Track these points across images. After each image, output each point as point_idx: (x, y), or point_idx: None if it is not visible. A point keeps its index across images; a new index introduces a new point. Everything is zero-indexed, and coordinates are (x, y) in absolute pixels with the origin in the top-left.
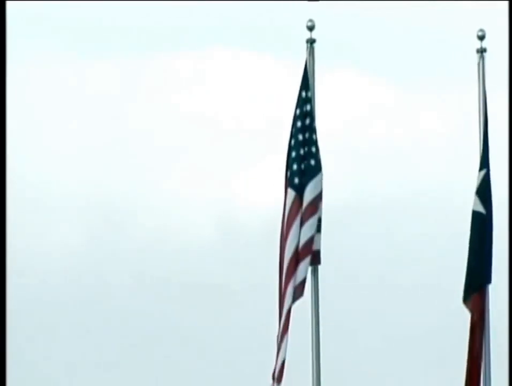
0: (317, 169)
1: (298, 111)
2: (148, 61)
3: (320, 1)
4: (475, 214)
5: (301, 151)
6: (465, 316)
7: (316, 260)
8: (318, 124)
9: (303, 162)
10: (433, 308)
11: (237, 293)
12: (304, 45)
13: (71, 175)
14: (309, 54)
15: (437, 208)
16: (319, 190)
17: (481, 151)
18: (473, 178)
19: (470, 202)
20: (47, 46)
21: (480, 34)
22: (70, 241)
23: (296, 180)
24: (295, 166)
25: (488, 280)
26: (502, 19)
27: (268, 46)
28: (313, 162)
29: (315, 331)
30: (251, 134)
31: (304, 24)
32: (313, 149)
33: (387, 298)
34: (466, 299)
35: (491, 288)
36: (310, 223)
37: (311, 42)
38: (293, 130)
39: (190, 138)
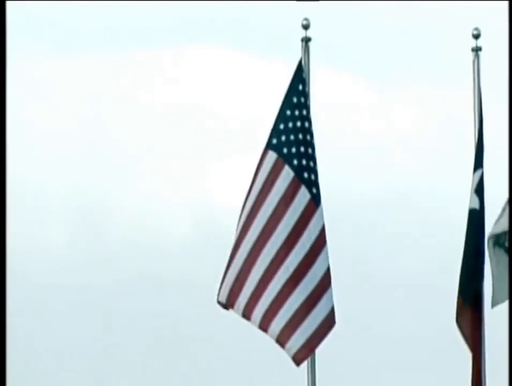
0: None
1: (295, 100)
2: (126, 58)
3: (313, 1)
4: (472, 212)
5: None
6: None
7: None
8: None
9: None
10: (415, 308)
11: (214, 290)
12: (281, 44)
13: (47, 173)
14: (304, 53)
15: (418, 208)
16: (322, 224)
17: (476, 150)
18: (461, 178)
19: (452, 201)
20: (27, 44)
21: (475, 32)
22: (47, 240)
23: (285, 150)
24: (283, 138)
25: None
26: (497, 17)
27: (252, 45)
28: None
29: None
30: (227, 131)
31: (288, 23)
32: (311, 163)
33: (368, 297)
34: (467, 300)
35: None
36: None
37: (306, 40)
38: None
39: (166, 135)
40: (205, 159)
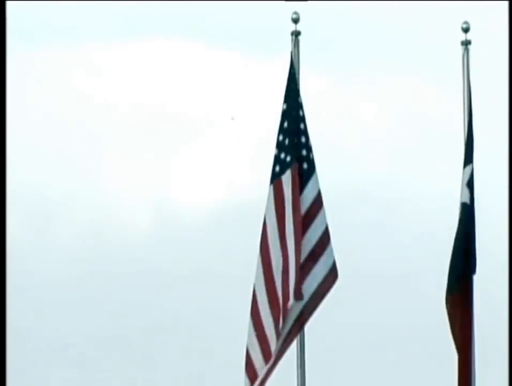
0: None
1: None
2: (84, 52)
3: (300, 1)
4: (464, 206)
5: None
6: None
7: None
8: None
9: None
10: (385, 303)
11: (176, 286)
12: (244, 40)
13: (11, 171)
14: (294, 47)
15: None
16: (317, 189)
17: (466, 144)
18: (449, 173)
19: (418, 199)
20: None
21: (464, 26)
22: (9, 234)
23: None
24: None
25: (474, 270)
26: (487, 11)
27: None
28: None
29: None
30: (190, 128)
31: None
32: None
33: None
34: (451, 292)
35: (486, 281)
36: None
37: (296, 34)
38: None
39: (127, 131)
40: (167, 156)
